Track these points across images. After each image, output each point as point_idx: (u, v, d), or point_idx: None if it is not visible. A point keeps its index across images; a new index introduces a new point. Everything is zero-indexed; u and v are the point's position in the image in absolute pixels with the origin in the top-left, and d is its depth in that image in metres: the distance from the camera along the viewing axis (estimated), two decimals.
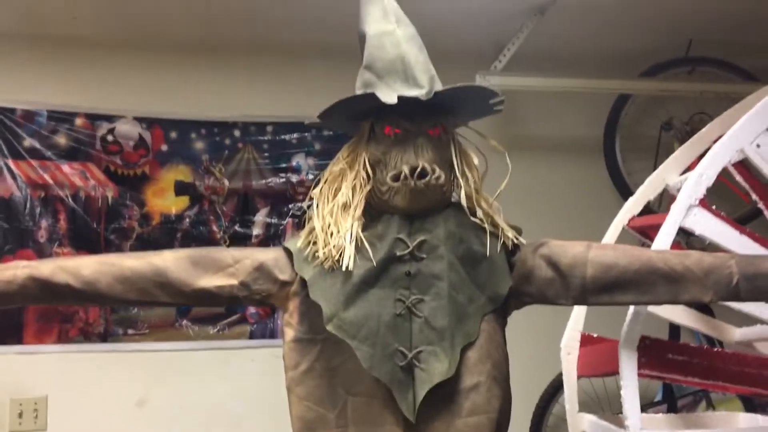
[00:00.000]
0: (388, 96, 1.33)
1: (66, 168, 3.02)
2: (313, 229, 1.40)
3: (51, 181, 2.99)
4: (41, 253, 2.94)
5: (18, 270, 1.38)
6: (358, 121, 1.44)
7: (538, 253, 1.41)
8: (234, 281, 1.42)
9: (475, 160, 1.46)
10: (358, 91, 1.41)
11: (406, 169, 1.33)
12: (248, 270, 1.42)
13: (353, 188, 1.39)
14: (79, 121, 3.05)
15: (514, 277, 1.41)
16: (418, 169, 1.32)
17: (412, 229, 1.36)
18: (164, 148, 3.12)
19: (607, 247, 1.43)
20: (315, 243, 1.38)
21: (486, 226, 1.40)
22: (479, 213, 1.41)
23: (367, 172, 1.38)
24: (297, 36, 3.08)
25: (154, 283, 1.40)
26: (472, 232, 1.40)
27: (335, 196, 1.40)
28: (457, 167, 1.41)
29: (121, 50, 3.09)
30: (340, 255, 1.33)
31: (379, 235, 1.36)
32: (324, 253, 1.35)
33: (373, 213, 1.40)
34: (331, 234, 1.36)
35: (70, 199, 3.01)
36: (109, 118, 3.08)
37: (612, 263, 1.36)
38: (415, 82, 1.36)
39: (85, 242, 3.01)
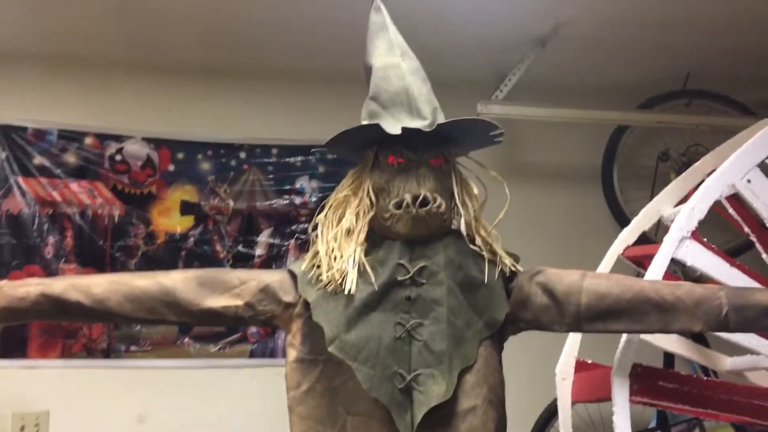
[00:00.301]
0: (393, 127, 1.39)
1: (74, 186, 3.08)
2: (317, 253, 1.45)
3: (59, 199, 3.06)
4: (48, 269, 3.00)
5: (31, 287, 1.44)
6: (362, 149, 1.50)
7: (535, 281, 1.46)
8: (239, 302, 1.47)
9: (475, 190, 1.51)
10: (364, 121, 1.48)
11: (408, 198, 1.38)
12: (253, 291, 1.47)
13: (357, 214, 1.44)
14: (88, 141, 3.12)
15: (510, 303, 1.46)
16: (420, 198, 1.37)
17: (413, 255, 1.41)
18: (171, 168, 3.18)
19: (602, 276, 1.49)
20: (319, 266, 1.43)
21: (485, 253, 1.45)
22: (478, 240, 1.46)
23: (370, 199, 1.44)
24: (302, 62, 3.15)
25: (162, 302, 1.46)
26: (471, 259, 1.45)
27: (339, 221, 1.45)
28: (458, 196, 1.47)
29: (131, 72, 3.17)
30: (343, 279, 1.38)
31: (381, 260, 1.41)
32: (327, 276, 1.39)
33: (376, 239, 1.44)
34: (335, 258, 1.41)
35: (77, 217, 3.07)
36: (118, 138, 3.15)
37: (606, 292, 1.42)
38: (418, 114, 1.42)
39: (91, 259, 3.06)
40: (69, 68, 3.11)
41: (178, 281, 1.47)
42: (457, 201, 1.47)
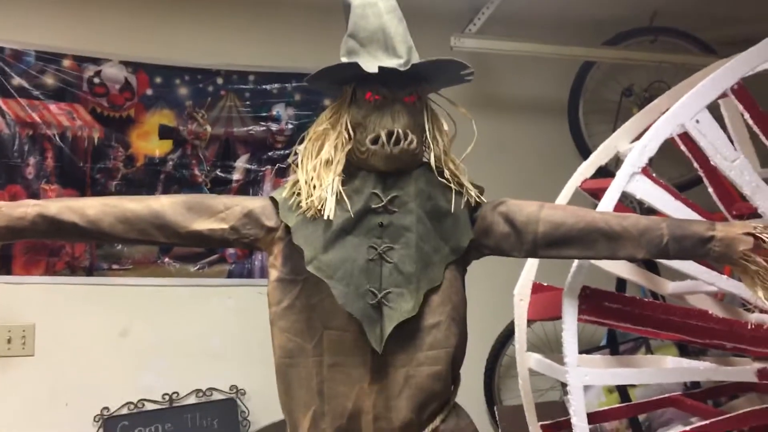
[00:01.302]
0: (370, 65, 1.48)
1: (53, 108, 3.13)
2: (297, 182, 1.56)
3: (39, 120, 3.10)
4: (29, 189, 3.07)
5: (29, 208, 1.54)
6: (341, 84, 1.59)
7: (497, 211, 1.59)
8: (225, 225, 1.59)
9: (445, 126, 1.62)
10: (343, 57, 1.57)
11: (383, 134, 1.49)
12: (238, 216, 1.59)
13: (335, 147, 1.54)
14: (66, 63, 3.14)
15: (474, 231, 1.60)
16: (394, 135, 1.49)
17: (386, 186, 1.53)
18: (149, 92, 3.23)
19: (558, 208, 1.62)
20: (299, 194, 1.55)
21: (452, 185, 1.57)
22: (446, 173, 1.57)
23: (348, 133, 1.54)
24: None
25: (152, 224, 1.57)
26: (440, 190, 1.57)
27: (318, 153, 1.55)
28: (429, 132, 1.57)
29: None
30: (322, 205, 1.49)
31: (357, 190, 1.53)
32: (307, 203, 1.51)
33: (352, 170, 1.55)
34: (314, 187, 1.52)
35: (57, 138, 3.12)
36: (96, 61, 3.18)
37: (560, 222, 1.56)
38: (394, 52, 1.51)
39: (72, 180, 3.14)
40: None
41: (167, 205, 1.57)
42: (428, 136, 1.57)
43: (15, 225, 1.53)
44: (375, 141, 1.50)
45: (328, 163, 1.53)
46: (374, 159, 1.51)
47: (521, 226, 1.57)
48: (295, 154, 1.62)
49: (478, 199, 1.61)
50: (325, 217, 1.49)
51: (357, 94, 1.55)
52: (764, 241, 1.49)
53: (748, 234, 1.50)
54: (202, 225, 1.58)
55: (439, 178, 1.56)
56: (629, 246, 1.55)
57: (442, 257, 1.55)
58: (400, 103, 1.52)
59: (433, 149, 1.59)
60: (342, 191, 1.51)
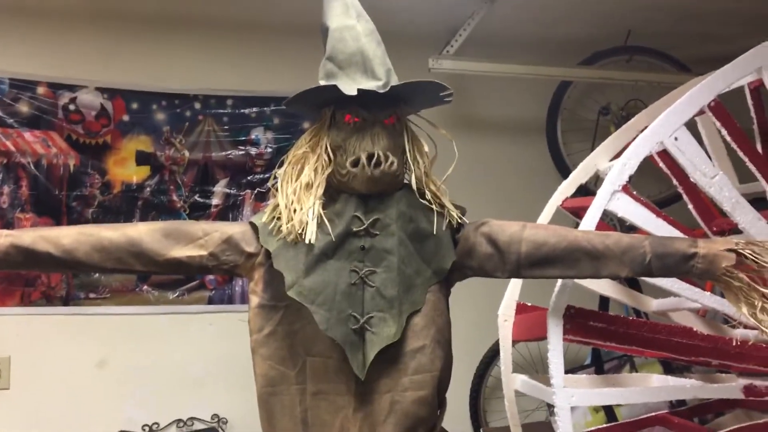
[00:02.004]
0: (349, 88, 1.46)
1: (28, 136, 3.08)
2: (277, 206, 1.53)
3: (13, 148, 3.06)
4: (3, 219, 3.02)
5: (1, 239, 1.50)
6: (320, 107, 1.57)
7: (480, 231, 1.57)
8: (203, 252, 1.56)
9: (426, 147, 1.62)
10: (321, 80, 1.56)
11: (363, 156, 1.47)
12: (217, 242, 1.56)
13: (315, 170, 1.52)
14: (41, 90, 3.11)
15: (457, 253, 1.58)
16: (374, 158, 1.47)
17: (368, 209, 1.51)
18: (126, 118, 3.20)
19: (540, 227, 1.61)
20: (279, 218, 1.52)
21: (434, 206, 1.55)
22: (428, 195, 1.55)
23: (328, 156, 1.52)
24: (258, 12, 3.18)
25: (129, 252, 1.53)
26: (421, 212, 1.55)
27: (298, 176, 1.53)
28: (409, 153, 1.56)
29: (84, 21, 3.14)
30: (303, 229, 1.47)
31: (338, 213, 1.51)
32: (288, 228, 1.48)
33: (332, 193, 1.53)
34: (295, 210, 1.49)
35: (32, 166, 3.08)
36: (71, 88, 3.14)
37: (543, 241, 1.55)
38: (373, 75, 1.50)
39: (47, 209, 3.09)
40: (19, 17, 3.06)
41: (144, 232, 1.54)
42: (409, 158, 1.56)
43: None
44: (355, 163, 1.48)
45: (308, 186, 1.52)
46: (355, 182, 1.49)
47: (504, 247, 1.56)
48: (275, 178, 1.60)
49: (460, 220, 1.59)
50: (307, 241, 1.46)
51: (336, 117, 1.53)
52: (747, 257, 1.49)
53: (731, 250, 1.50)
54: (180, 252, 1.55)
55: (421, 200, 1.55)
56: (612, 264, 1.55)
57: (424, 280, 1.53)
58: (380, 125, 1.51)
59: (413, 170, 1.57)
60: (323, 214, 1.49)
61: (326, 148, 1.52)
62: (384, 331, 1.47)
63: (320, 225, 1.48)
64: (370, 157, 1.47)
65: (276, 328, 1.53)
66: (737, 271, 1.49)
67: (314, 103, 1.58)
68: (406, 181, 1.60)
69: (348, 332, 1.46)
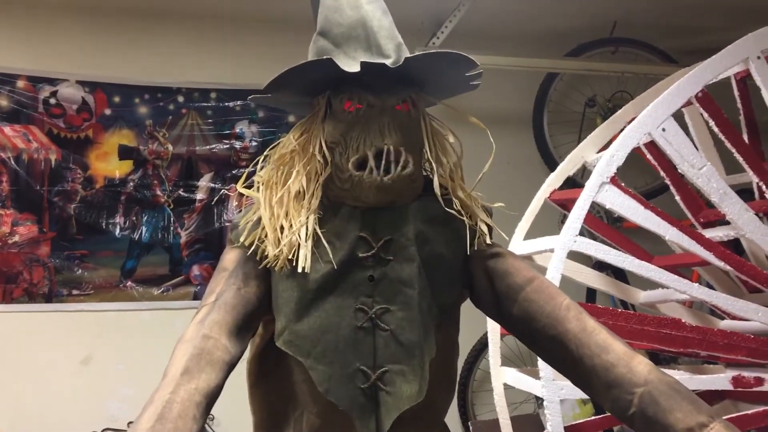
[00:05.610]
0: (350, 64, 1.11)
1: (8, 130, 3.04)
2: (260, 220, 1.18)
3: None
4: None
5: None
6: (311, 96, 1.21)
7: (485, 265, 1.25)
8: (253, 300, 1.18)
9: (450, 138, 1.26)
10: None
11: (370, 155, 1.12)
12: (252, 287, 1.19)
13: (307, 176, 1.17)
14: (20, 84, 3.06)
15: (462, 282, 1.26)
16: (384, 156, 1.12)
17: (377, 226, 1.16)
18: (108, 112, 3.16)
19: (542, 292, 1.22)
20: (263, 240, 1.16)
21: (465, 219, 1.21)
22: (456, 205, 1.20)
23: (324, 157, 1.16)
24: (243, 4, 3.14)
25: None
26: (440, 229, 1.21)
27: (285, 182, 1.17)
28: (430, 150, 1.21)
29: (64, 13, 3.09)
30: (294, 255, 1.13)
31: (338, 233, 1.16)
32: (275, 253, 1.13)
33: (329, 204, 1.18)
34: (282, 228, 1.14)
35: (12, 161, 3.03)
36: (52, 81, 3.10)
37: (533, 317, 1.20)
38: (379, 51, 1.13)
39: (29, 204, 3.05)
40: None
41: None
42: (430, 156, 1.21)
43: None
44: (360, 165, 1.13)
45: (299, 196, 1.16)
46: (359, 190, 1.13)
47: (499, 295, 1.25)
48: (252, 181, 1.23)
49: (486, 242, 1.24)
50: (300, 270, 1.12)
51: (333, 105, 1.17)
52: None
53: None
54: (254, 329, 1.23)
55: (446, 210, 1.19)
56: (591, 392, 1.18)
57: (433, 317, 1.19)
58: (390, 112, 1.14)
59: (436, 174, 1.20)
60: (320, 235, 1.14)
61: (321, 146, 1.16)
62: (403, 389, 1.14)
63: (316, 248, 1.14)
64: (378, 155, 1.12)
65: (278, 364, 1.23)
66: None
67: (303, 91, 1.20)
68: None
69: (355, 393, 1.14)
